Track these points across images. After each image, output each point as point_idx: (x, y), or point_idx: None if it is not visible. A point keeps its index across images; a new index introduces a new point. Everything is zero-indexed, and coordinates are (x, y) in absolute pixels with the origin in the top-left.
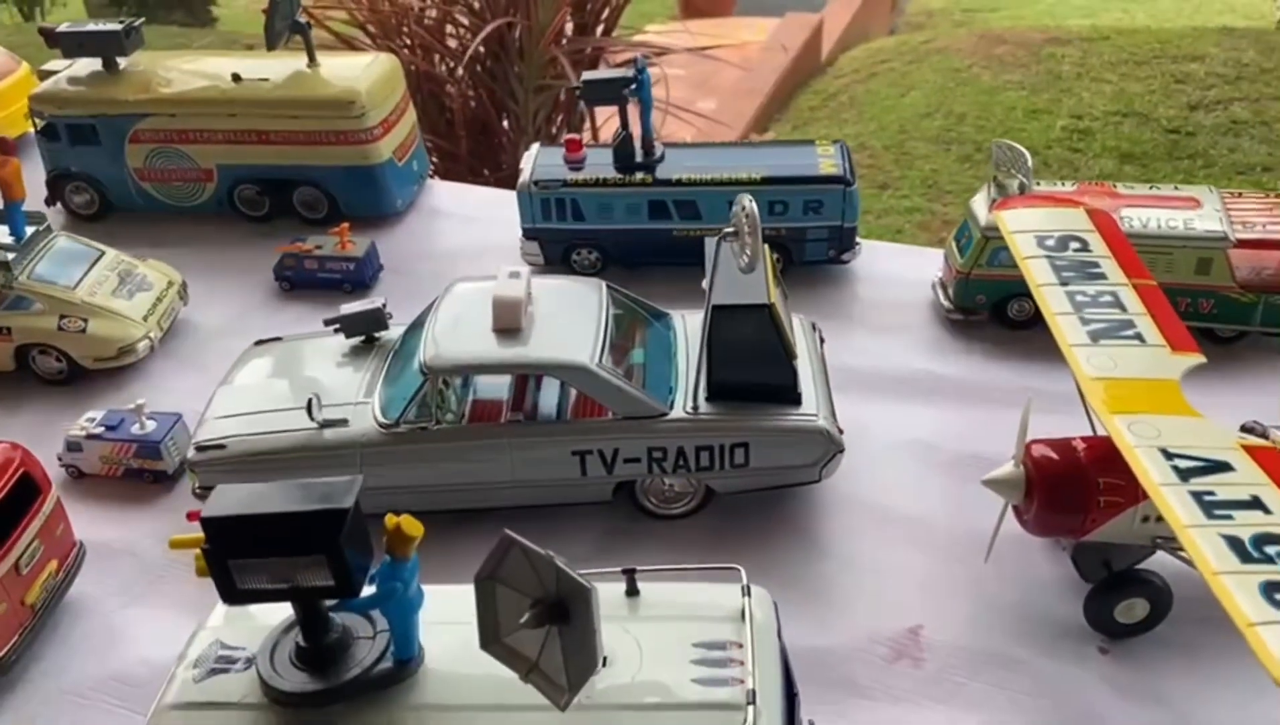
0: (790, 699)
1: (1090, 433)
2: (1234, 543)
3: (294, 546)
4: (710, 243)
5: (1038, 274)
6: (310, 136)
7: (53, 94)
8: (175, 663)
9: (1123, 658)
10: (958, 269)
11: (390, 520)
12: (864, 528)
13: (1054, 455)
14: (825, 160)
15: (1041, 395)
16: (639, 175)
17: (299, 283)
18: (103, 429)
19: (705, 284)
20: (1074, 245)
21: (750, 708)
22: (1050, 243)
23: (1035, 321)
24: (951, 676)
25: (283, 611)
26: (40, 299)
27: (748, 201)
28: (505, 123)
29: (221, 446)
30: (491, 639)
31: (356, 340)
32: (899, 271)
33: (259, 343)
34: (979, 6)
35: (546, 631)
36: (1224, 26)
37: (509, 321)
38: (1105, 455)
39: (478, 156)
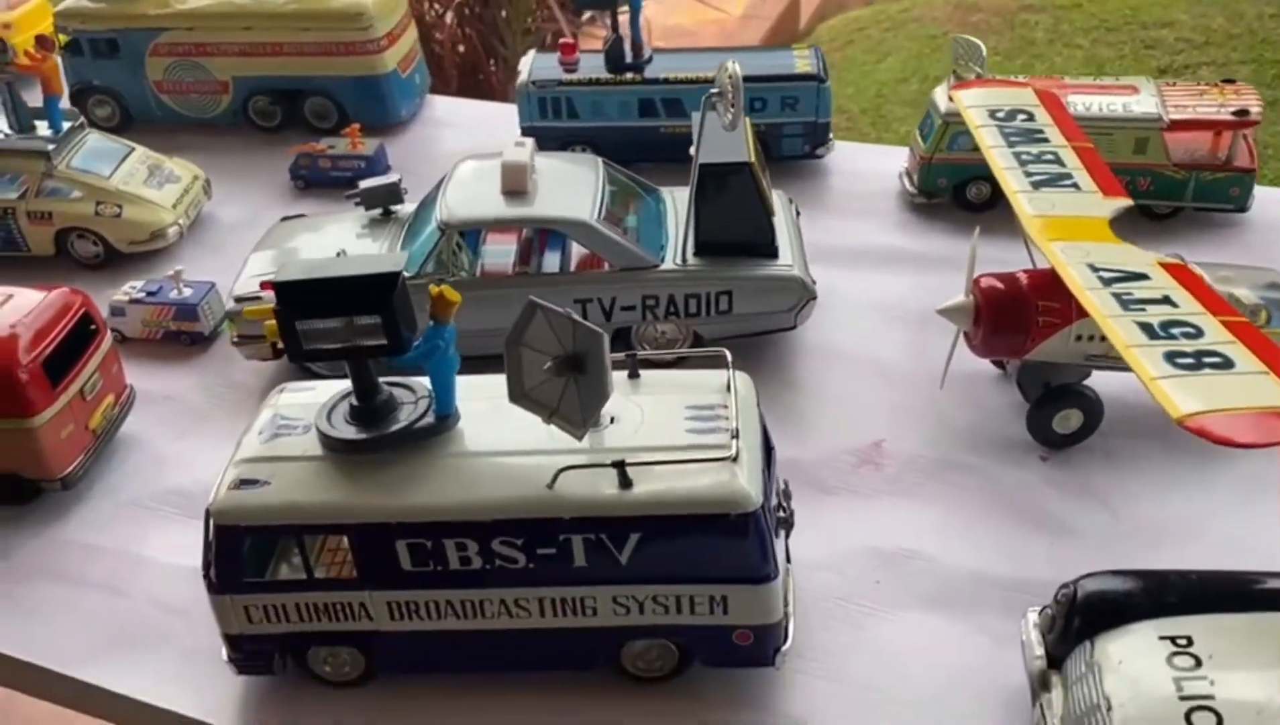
0: (768, 451)
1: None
2: (1145, 327)
3: (353, 306)
4: (695, 116)
5: (988, 138)
6: (320, 48)
7: (77, 10)
8: (242, 434)
9: (1060, 464)
10: (921, 155)
11: (434, 289)
12: (833, 368)
13: (999, 284)
14: (800, 60)
15: (994, 262)
16: (629, 76)
17: (313, 181)
18: (144, 294)
19: (692, 150)
20: (1021, 117)
21: (735, 441)
22: (1000, 115)
23: (992, 204)
24: (910, 479)
25: (331, 390)
26: (78, 187)
27: (731, 64)
28: (494, 66)
29: (258, 297)
30: (518, 394)
31: (375, 213)
32: (869, 166)
33: (285, 219)
34: None
35: (565, 382)
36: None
37: (516, 184)
38: (1044, 283)
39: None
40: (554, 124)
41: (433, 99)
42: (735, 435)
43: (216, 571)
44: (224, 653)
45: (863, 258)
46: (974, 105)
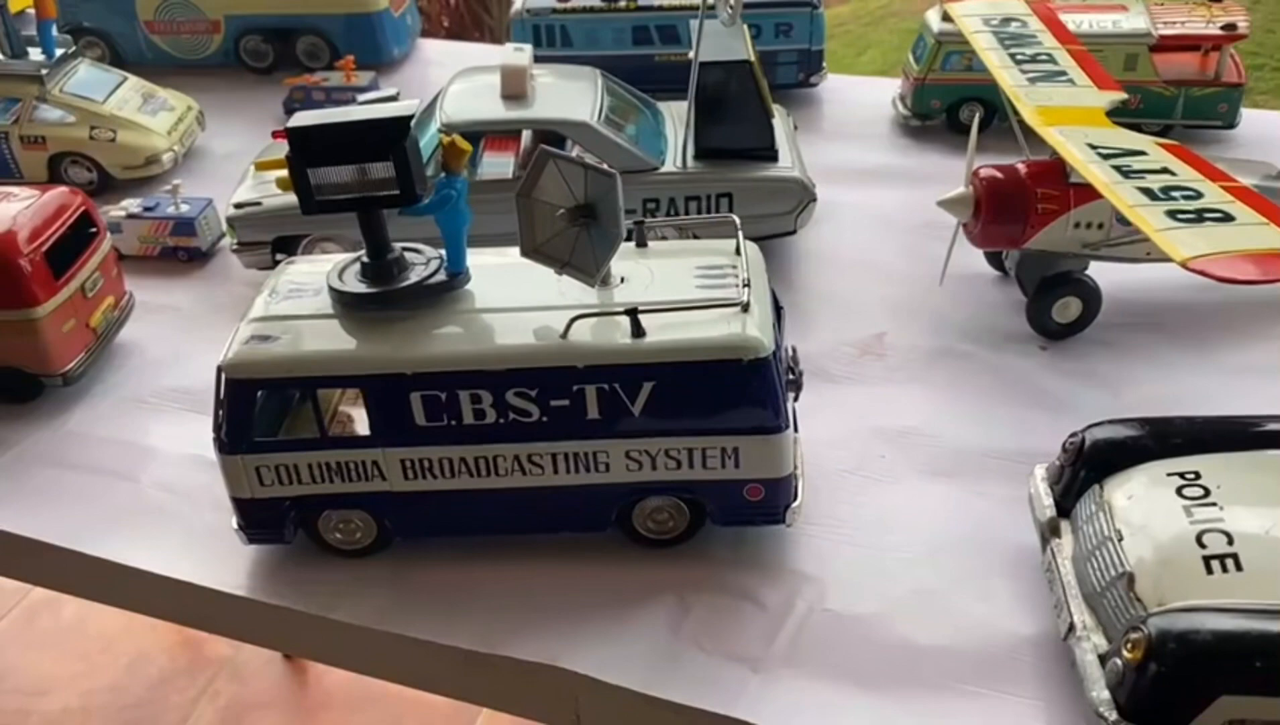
0: (777, 311)
1: None
2: (1146, 191)
3: (366, 153)
4: (694, 23)
5: (983, 42)
6: None
7: None
8: (255, 297)
9: (1060, 352)
10: (914, 77)
11: (444, 138)
12: (833, 271)
13: (998, 174)
14: None
15: None
16: (623, 3)
17: None
18: (141, 210)
19: (691, 54)
20: (1014, 24)
21: (746, 289)
22: (994, 22)
23: (984, 125)
24: (911, 367)
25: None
26: (72, 111)
27: None
28: (479, 36)
29: (257, 203)
30: (530, 248)
31: None
32: (862, 94)
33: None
34: None
35: (576, 234)
36: None
37: (516, 88)
38: (1042, 171)
39: None
40: (548, 52)
41: (423, 42)
42: (746, 284)
43: (228, 430)
44: (233, 521)
45: (858, 176)
46: (969, 14)
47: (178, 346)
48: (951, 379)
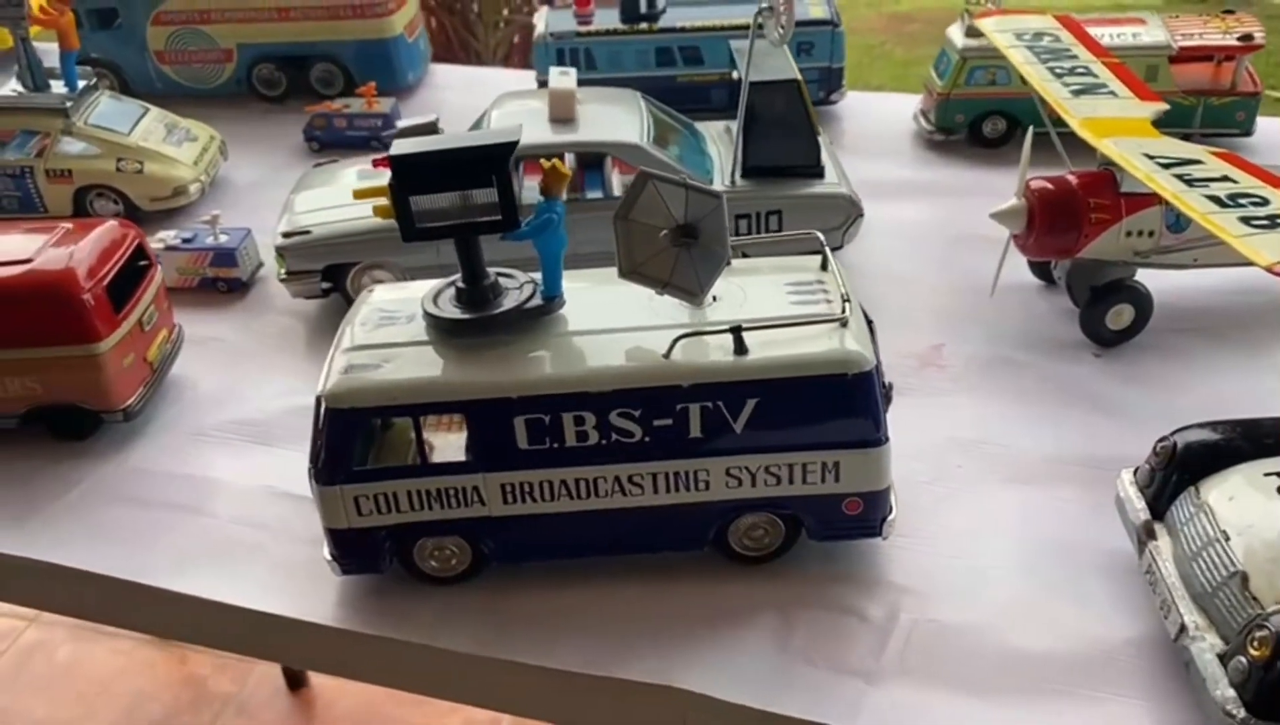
0: (869, 323)
1: None
2: (1214, 199)
3: (469, 180)
4: (735, 44)
5: (1020, 58)
6: (328, 12)
7: None
8: (342, 327)
9: (1113, 359)
10: (938, 92)
11: (545, 163)
12: (881, 284)
13: (1050, 186)
14: (813, 6)
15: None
16: (644, 25)
17: (328, 143)
18: (180, 241)
19: (737, 75)
20: (1047, 39)
21: (846, 303)
22: (1027, 38)
23: (1006, 139)
24: (972, 377)
25: (423, 289)
26: (97, 143)
27: None
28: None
29: (307, 232)
30: (629, 268)
31: None
32: (882, 110)
33: (318, 165)
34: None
35: (676, 254)
36: (1115, 3)
37: (564, 111)
38: (1093, 182)
39: None
40: None
41: (434, 67)
42: (846, 299)
43: (326, 460)
44: (326, 552)
45: (886, 191)
46: (1000, 30)
47: (230, 378)
48: (1012, 388)
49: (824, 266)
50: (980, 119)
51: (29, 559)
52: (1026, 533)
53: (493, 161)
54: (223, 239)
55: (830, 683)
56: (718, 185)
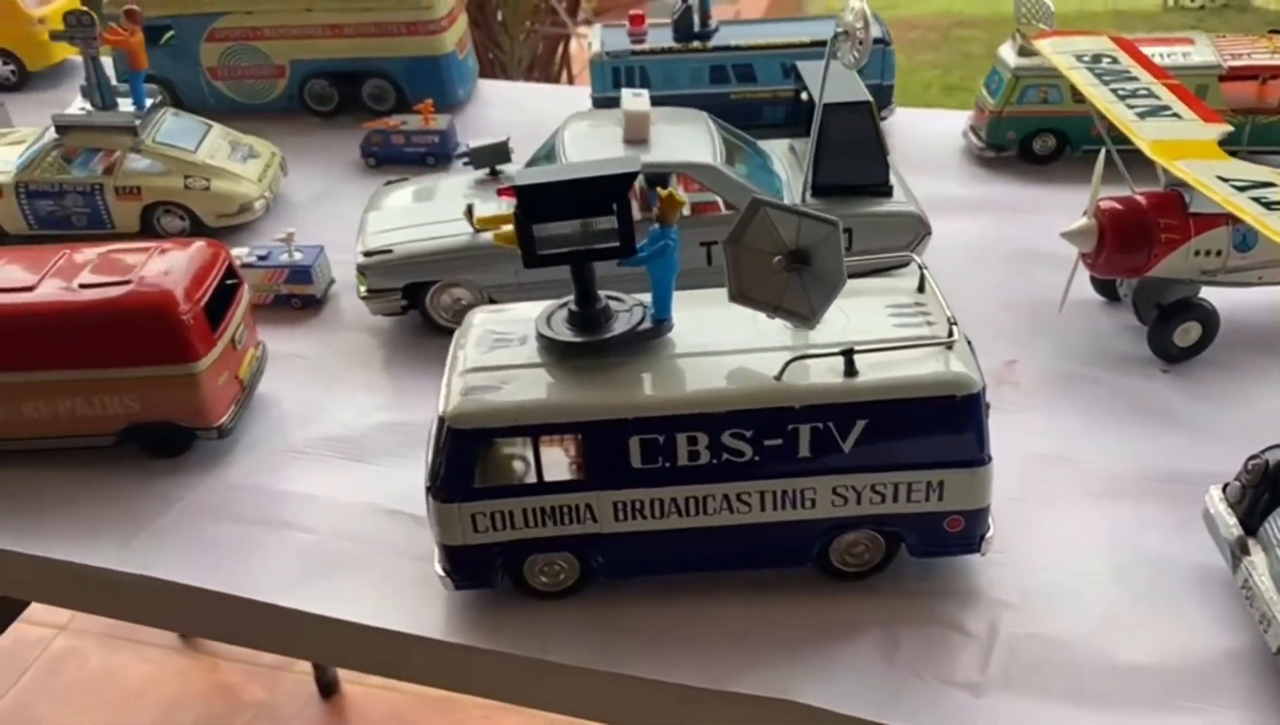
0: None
1: None
2: None
3: (590, 207)
4: (805, 65)
5: (1082, 79)
6: (381, 28)
7: None
8: (453, 350)
9: (1181, 375)
10: (990, 110)
11: (662, 191)
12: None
13: (1120, 207)
14: None
15: (1065, 207)
16: (696, 43)
17: (384, 158)
18: (255, 258)
19: (805, 96)
20: (1106, 60)
21: (955, 326)
22: (1086, 59)
23: (1055, 156)
24: (1045, 393)
25: (526, 311)
26: (165, 161)
27: (858, 2)
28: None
29: (388, 251)
30: (738, 292)
31: (481, 173)
32: (931, 127)
33: (389, 182)
34: (878, 6)
35: (787, 279)
36: (1113, 10)
37: (639, 133)
38: (1162, 202)
39: None
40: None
41: (481, 83)
42: (953, 321)
43: (447, 479)
44: (438, 568)
45: (940, 208)
46: (1059, 52)
47: (313, 394)
48: (1085, 404)
49: (920, 288)
50: (1031, 136)
51: (139, 575)
52: (1114, 547)
53: (614, 190)
54: (297, 256)
55: (938, 695)
56: (789, 203)
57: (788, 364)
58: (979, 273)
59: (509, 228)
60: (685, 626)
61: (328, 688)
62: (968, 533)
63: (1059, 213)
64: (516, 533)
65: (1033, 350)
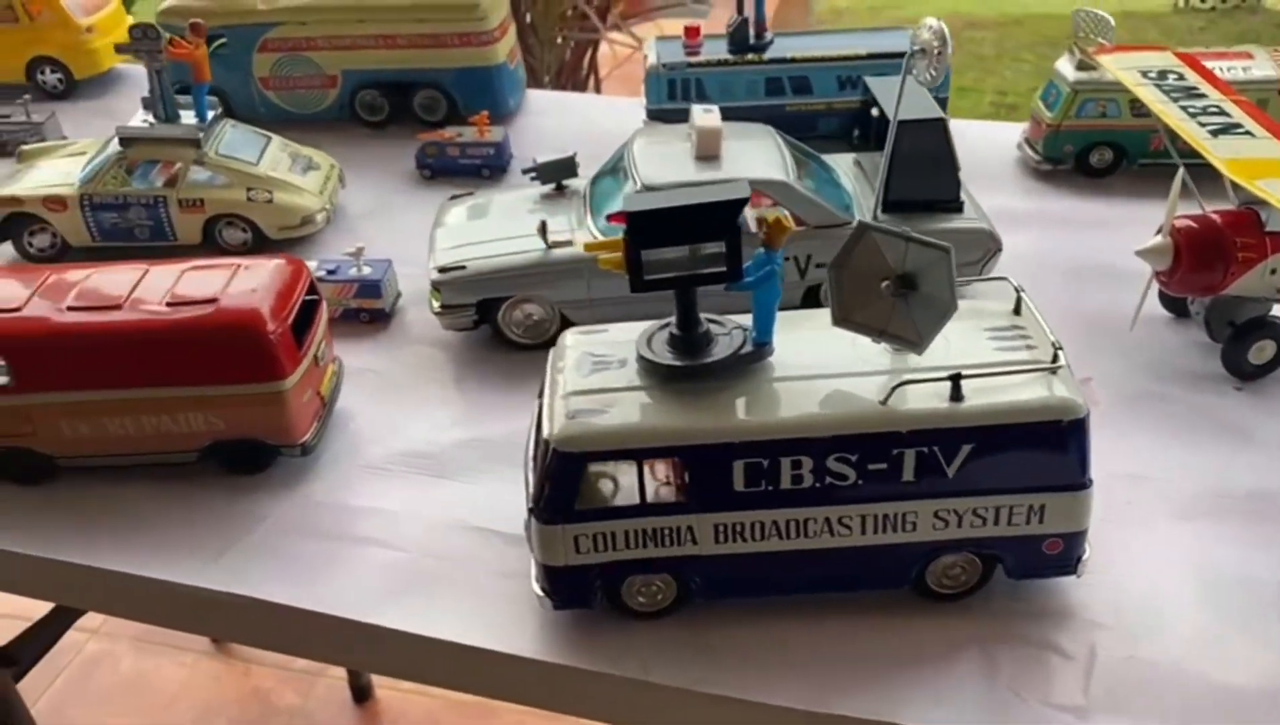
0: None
1: None
2: None
3: (699, 233)
4: (875, 81)
5: (1151, 96)
6: (434, 40)
7: (183, 8)
8: (551, 373)
9: (1255, 392)
10: (1048, 123)
11: (770, 216)
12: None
13: (1195, 225)
14: None
15: (1134, 221)
16: (753, 56)
17: (439, 170)
18: (324, 272)
19: (876, 111)
20: (1172, 76)
21: (1060, 351)
22: (1152, 75)
23: (1112, 169)
24: (1122, 410)
25: (620, 333)
26: (228, 173)
27: (935, 20)
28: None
29: (462, 267)
30: (842, 316)
31: (547, 188)
32: (984, 140)
33: (453, 197)
34: (884, 5)
35: (894, 303)
36: (1124, 10)
37: (711, 149)
38: (1238, 221)
39: None
40: (682, 105)
41: (528, 92)
42: (1058, 346)
43: (551, 501)
44: (536, 588)
45: (997, 221)
46: (1124, 68)
47: (388, 410)
48: (1162, 422)
49: (1016, 310)
50: (1088, 150)
51: (231, 594)
52: (1199, 567)
53: (725, 216)
54: (366, 270)
55: (1043, 717)
56: (859, 218)
57: (894, 388)
58: (1040, 288)
59: (617, 253)
60: (782, 648)
61: (361, 692)
62: (1065, 555)
63: (1117, 227)
64: (617, 554)
65: (1102, 367)
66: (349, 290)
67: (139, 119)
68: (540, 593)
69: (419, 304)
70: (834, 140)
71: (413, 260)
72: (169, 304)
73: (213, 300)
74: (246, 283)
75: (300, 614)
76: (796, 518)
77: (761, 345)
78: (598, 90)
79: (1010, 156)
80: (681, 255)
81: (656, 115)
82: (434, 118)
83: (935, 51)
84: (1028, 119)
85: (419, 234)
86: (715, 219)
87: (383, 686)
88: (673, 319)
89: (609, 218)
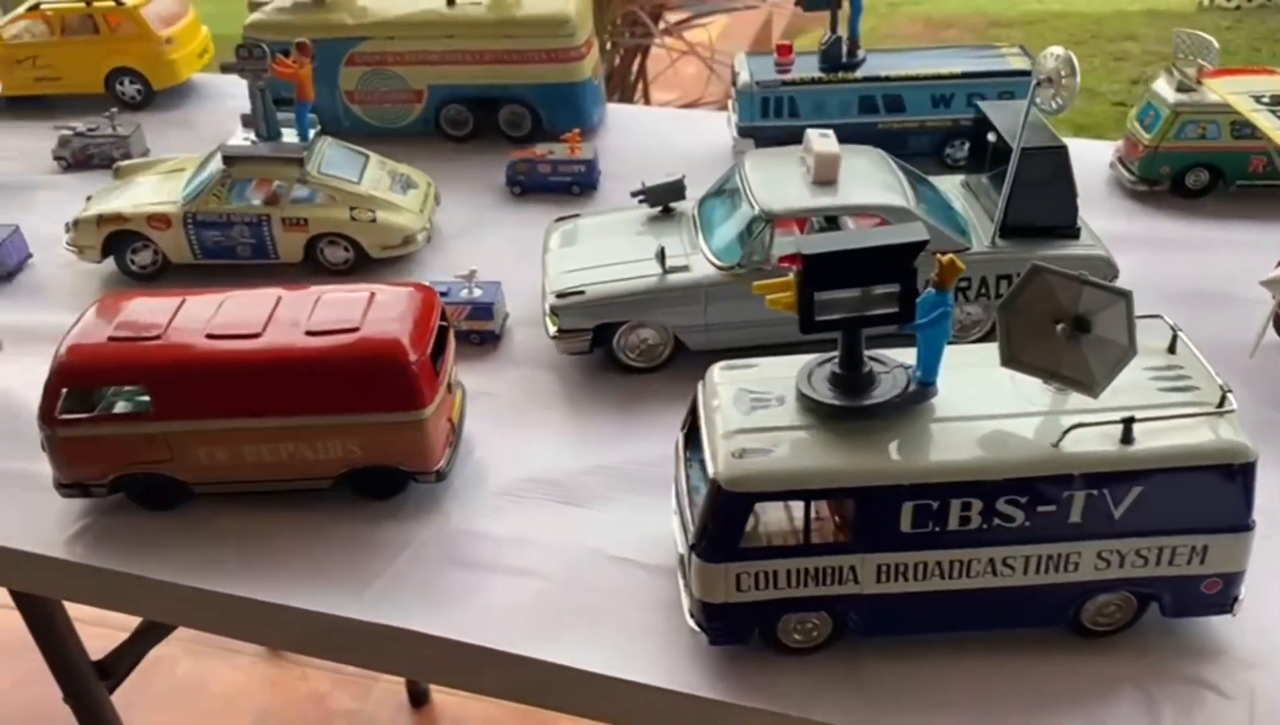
0: None
1: None
2: None
3: (874, 275)
4: (989, 105)
5: (1269, 123)
6: (522, 55)
7: (271, 22)
8: (707, 410)
9: None
10: (1145, 144)
11: (943, 257)
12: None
13: None
14: (1012, 58)
15: (1233, 244)
16: (847, 74)
17: (530, 187)
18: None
19: (992, 137)
20: None
21: (1229, 395)
22: (1265, 100)
23: (1207, 190)
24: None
25: (772, 369)
26: (330, 192)
27: (1062, 50)
28: None
29: (580, 292)
30: (1010, 357)
31: (653, 210)
32: (1075, 158)
33: (559, 220)
34: (900, 0)
35: (1065, 345)
36: (1148, 9)
37: (829, 174)
38: None
39: None
40: (774, 123)
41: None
42: (1227, 388)
43: (714, 540)
44: (691, 623)
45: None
46: (1235, 92)
47: (511, 434)
48: None
49: (1171, 349)
50: (1184, 171)
51: (389, 626)
52: None
53: (901, 260)
54: (477, 292)
55: None
56: (977, 245)
57: (1068, 430)
58: (1165, 311)
59: (785, 293)
60: (938, 684)
61: (419, 696)
62: (1223, 595)
63: (1217, 250)
64: (778, 592)
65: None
66: (461, 312)
67: (239, 137)
68: (696, 628)
69: (524, 325)
70: (924, 158)
71: (511, 280)
72: (309, 332)
73: (354, 329)
74: (385, 311)
75: (456, 646)
76: (960, 558)
77: (926, 385)
78: (646, 97)
79: (1102, 176)
80: (852, 296)
81: (747, 132)
82: (518, 133)
83: (1062, 79)
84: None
85: (512, 253)
86: (891, 261)
87: (440, 691)
88: (829, 355)
89: (781, 260)
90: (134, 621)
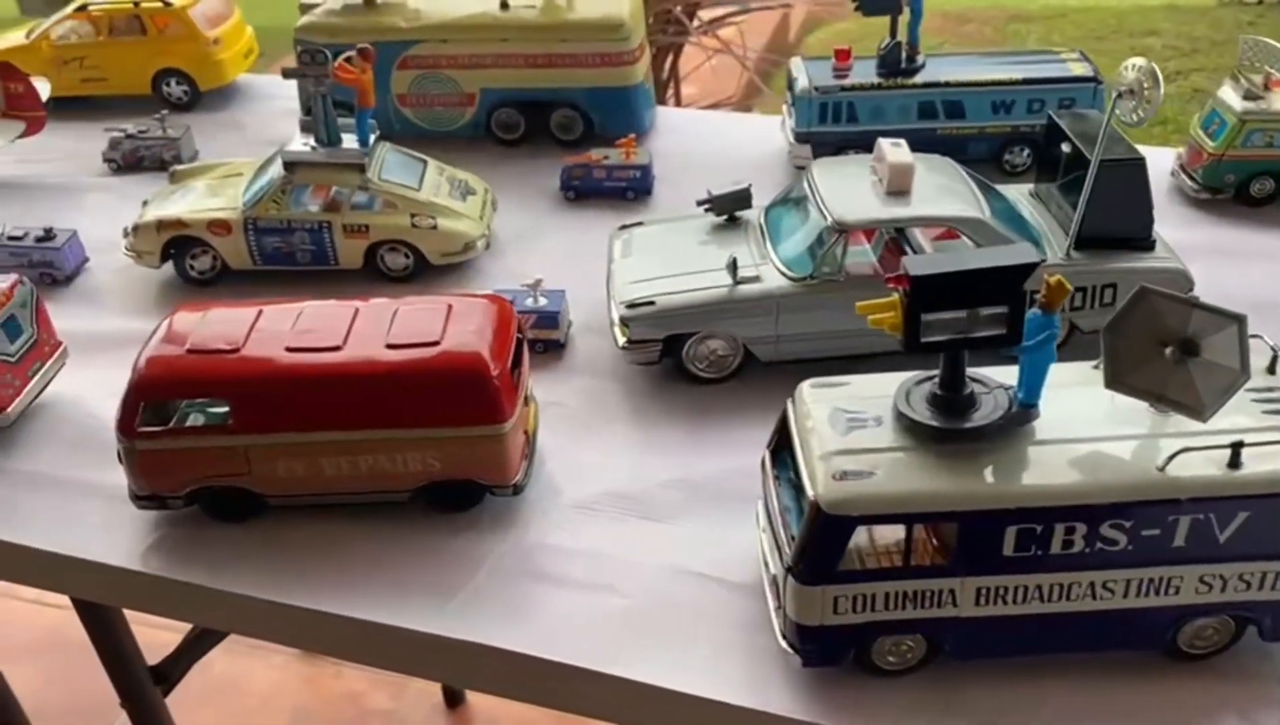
0: None
1: None
2: None
3: (983, 297)
4: (1060, 114)
5: None
6: (575, 59)
7: (322, 25)
8: (802, 431)
9: None
10: (1210, 152)
11: (1051, 278)
12: None
13: None
14: (1074, 64)
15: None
16: (905, 79)
17: (584, 192)
18: None
19: (1066, 147)
20: None
21: None
22: None
23: (1273, 198)
24: None
25: (865, 387)
26: (391, 198)
27: (1143, 60)
28: None
29: (651, 302)
30: (1116, 378)
31: (718, 219)
32: None
33: (622, 227)
34: None
35: (1173, 368)
36: (1169, 4)
37: (903, 184)
38: None
39: None
40: (832, 128)
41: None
42: None
43: (812, 562)
44: (783, 643)
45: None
46: None
47: (582, 446)
48: None
49: (1271, 369)
50: (1249, 179)
51: (474, 643)
52: None
53: (1011, 281)
54: (542, 301)
55: None
56: (1051, 257)
57: (1175, 454)
58: None
59: (889, 313)
60: (1032, 707)
61: (454, 697)
62: None
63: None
64: (875, 615)
65: None
66: (527, 321)
67: (298, 141)
68: (789, 649)
69: (586, 333)
70: (983, 164)
71: (570, 286)
72: (390, 346)
73: (434, 342)
74: (464, 323)
75: (539, 664)
76: (1061, 582)
77: (1028, 407)
78: (678, 97)
79: (1163, 183)
80: (959, 317)
81: (804, 138)
82: (570, 137)
83: (1144, 91)
84: None
85: (570, 259)
86: (1001, 283)
87: (475, 692)
88: (928, 374)
89: (888, 280)
90: (179, 623)
